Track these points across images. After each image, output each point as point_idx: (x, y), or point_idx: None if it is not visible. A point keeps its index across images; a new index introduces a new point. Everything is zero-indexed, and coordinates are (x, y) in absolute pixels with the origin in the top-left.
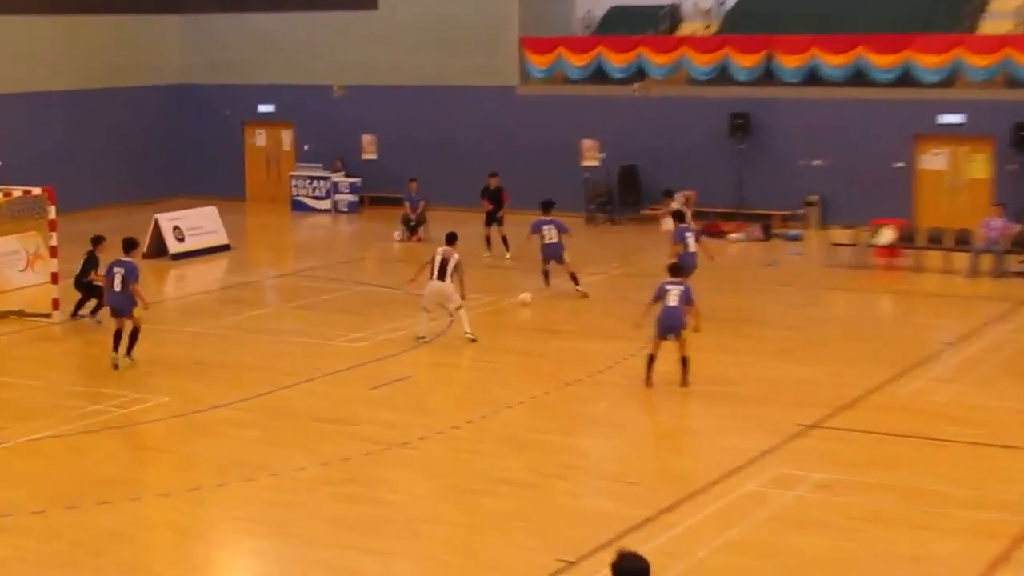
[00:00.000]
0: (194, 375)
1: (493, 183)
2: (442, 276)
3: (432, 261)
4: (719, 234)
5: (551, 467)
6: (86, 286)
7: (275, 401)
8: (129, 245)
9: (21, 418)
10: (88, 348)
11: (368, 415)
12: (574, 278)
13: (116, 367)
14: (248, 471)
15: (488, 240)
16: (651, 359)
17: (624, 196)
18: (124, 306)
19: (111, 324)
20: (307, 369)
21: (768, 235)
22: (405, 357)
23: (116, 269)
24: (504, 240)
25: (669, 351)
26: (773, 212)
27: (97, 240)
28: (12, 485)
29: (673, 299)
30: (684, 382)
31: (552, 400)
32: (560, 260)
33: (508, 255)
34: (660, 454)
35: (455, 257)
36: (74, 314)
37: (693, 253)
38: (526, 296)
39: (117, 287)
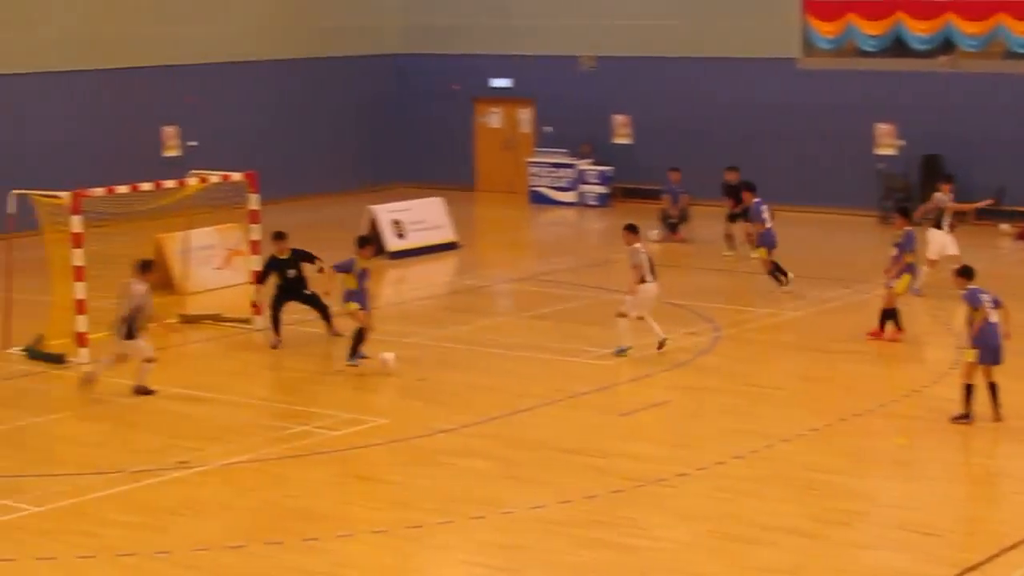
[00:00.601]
0: (416, 394)
1: (732, 178)
2: (655, 276)
3: (641, 261)
4: None
5: (834, 513)
6: (307, 298)
7: (509, 427)
8: (361, 242)
9: (217, 439)
10: (295, 360)
11: (618, 446)
12: (781, 272)
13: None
14: (477, 507)
15: (729, 237)
16: (969, 389)
17: (926, 192)
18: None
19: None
20: (546, 390)
21: None
22: (662, 378)
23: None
24: (750, 236)
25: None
26: None
27: (278, 236)
28: (207, 515)
29: (993, 313)
30: (997, 415)
31: (836, 433)
32: (775, 246)
33: (754, 254)
34: (965, 501)
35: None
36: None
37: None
38: (388, 358)
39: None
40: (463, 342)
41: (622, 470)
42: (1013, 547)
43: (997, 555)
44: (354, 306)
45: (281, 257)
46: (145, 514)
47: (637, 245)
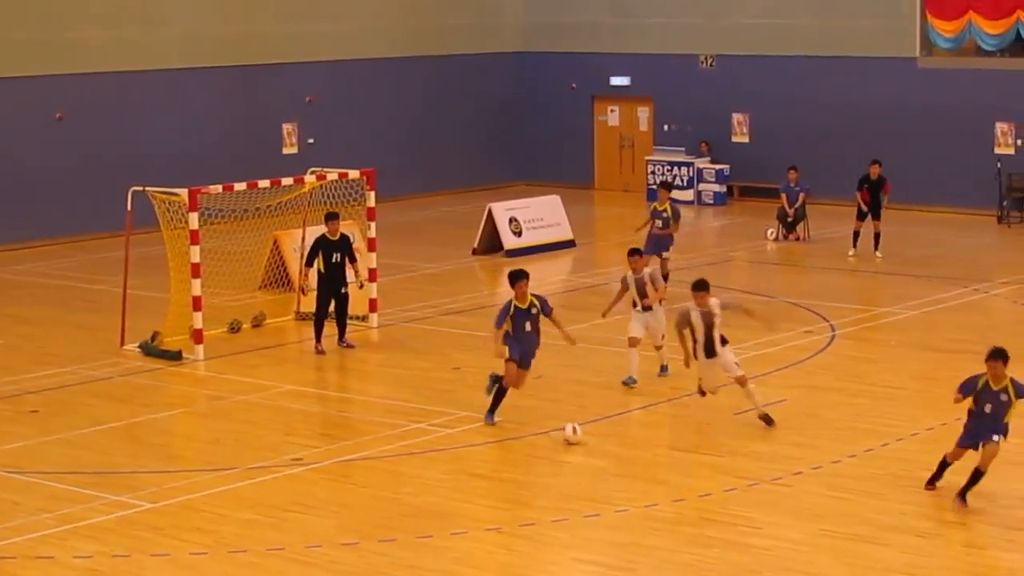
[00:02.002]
0: (531, 392)
1: (875, 172)
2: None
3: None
4: None
5: (949, 512)
6: (338, 297)
7: (624, 425)
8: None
9: (332, 436)
10: (410, 357)
11: (733, 444)
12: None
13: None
14: (591, 505)
15: (856, 236)
16: None
17: None
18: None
19: None
20: (661, 388)
21: None
22: (778, 377)
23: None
24: (877, 237)
25: None
26: None
27: (331, 216)
28: (321, 512)
29: None
30: None
31: (951, 433)
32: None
33: (879, 254)
34: None
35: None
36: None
37: None
38: (570, 433)
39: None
40: (579, 340)
41: (736, 468)
42: None
43: None
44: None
45: (332, 238)
46: (259, 511)
47: (648, 269)
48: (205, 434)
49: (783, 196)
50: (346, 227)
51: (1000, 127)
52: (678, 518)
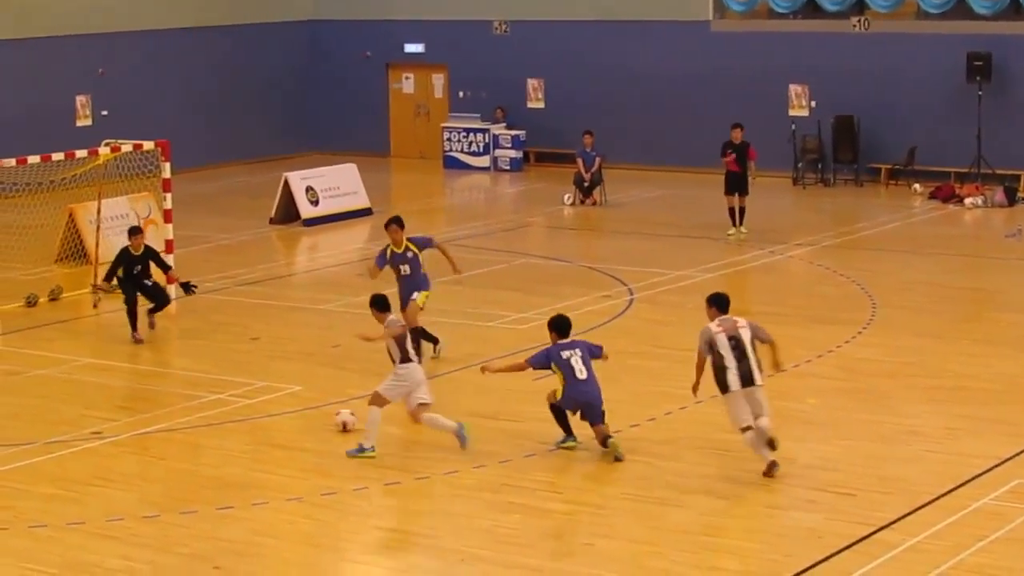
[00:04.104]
0: (330, 361)
1: (738, 136)
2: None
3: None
4: (952, 198)
5: (748, 474)
6: (149, 288)
7: None
8: None
9: (131, 409)
10: (208, 329)
11: (532, 410)
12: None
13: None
14: (391, 474)
15: (732, 212)
16: None
17: (838, 153)
18: None
19: None
20: (461, 355)
21: (1012, 200)
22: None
23: None
24: (742, 212)
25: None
26: (1019, 172)
27: (134, 231)
28: (121, 486)
29: None
30: None
31: None
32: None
33: (744, 229)
34: (878, 460)
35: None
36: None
37: None
38: (347, 417)
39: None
40: None
41: (536, 434)
42: (926, 505)
43: (910, 513)
44: None
45: (135, 253)
46: (58, 485)
47: (392, 318)
48: (2, 409)
49: (579, 161)
50: (142, 198)
51: (794, 89)
52: (479, 484)
